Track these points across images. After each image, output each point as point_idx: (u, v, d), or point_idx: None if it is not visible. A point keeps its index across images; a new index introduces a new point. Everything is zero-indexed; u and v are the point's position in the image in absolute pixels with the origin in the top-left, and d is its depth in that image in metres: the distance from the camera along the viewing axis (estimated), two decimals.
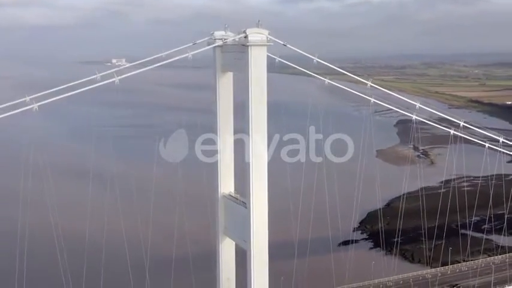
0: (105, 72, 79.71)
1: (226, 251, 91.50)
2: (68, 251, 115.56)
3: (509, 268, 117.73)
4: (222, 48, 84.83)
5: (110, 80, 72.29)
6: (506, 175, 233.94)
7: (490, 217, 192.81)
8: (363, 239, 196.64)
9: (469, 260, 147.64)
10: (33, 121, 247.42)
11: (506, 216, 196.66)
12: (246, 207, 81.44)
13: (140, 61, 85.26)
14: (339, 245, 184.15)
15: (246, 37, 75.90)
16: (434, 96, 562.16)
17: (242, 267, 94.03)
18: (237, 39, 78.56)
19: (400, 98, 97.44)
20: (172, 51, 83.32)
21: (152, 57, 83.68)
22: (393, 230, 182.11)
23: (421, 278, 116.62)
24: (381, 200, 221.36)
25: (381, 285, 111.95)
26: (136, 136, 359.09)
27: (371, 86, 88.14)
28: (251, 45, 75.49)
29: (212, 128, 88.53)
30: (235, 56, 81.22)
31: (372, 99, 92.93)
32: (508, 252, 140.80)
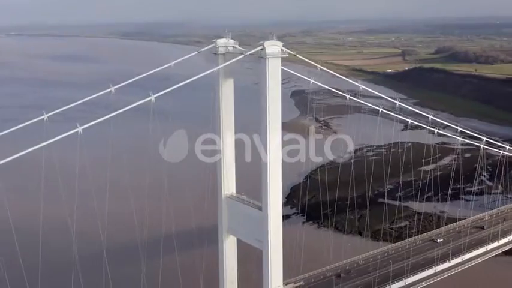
0: (119, 85, 79.32)
1: (229, 248, 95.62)
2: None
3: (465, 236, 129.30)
4: (225, 56, 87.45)
5: (146, 99, 72.53)
6: (404, 143, 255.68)
7: (402, 184, 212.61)
8: (294, 213, 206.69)
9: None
10: None
11: (419, 183, 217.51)
12: (260, 210, 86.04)
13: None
14: None
15: (262, 49, 79.41)
16: (322, 66, 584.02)
17: (241, 263, 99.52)
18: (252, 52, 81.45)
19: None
20: (180, 60, 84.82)
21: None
22: (320, 202, 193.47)
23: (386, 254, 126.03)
24: (299, 173, 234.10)
25: (355, 264, 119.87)
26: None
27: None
28: (268, 57, 79.18)
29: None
30: (245, 65, 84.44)
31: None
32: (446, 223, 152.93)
